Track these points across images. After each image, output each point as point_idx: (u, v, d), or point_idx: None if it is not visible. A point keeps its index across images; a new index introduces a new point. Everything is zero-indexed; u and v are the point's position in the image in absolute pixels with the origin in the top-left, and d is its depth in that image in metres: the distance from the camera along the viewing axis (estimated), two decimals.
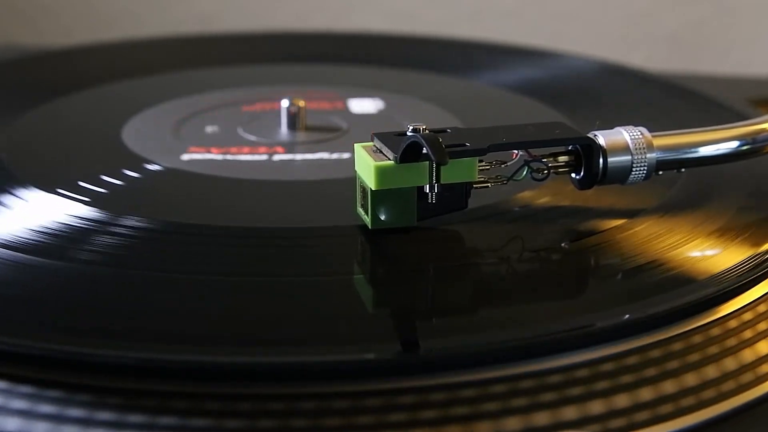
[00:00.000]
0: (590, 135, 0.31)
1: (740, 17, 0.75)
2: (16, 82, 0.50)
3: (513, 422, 0.23)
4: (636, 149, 0.31)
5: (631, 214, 0.32)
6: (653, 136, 0.31)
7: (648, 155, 0.31)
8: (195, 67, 0.53)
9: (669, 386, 0.25)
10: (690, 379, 0.25)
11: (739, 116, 0.40)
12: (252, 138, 0.40)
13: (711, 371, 0.25)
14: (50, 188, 0.34)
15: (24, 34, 0.80)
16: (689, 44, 0.76)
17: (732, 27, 0.76)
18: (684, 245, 0.30)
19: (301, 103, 0.41)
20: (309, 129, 0.41)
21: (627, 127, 0.32)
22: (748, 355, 0.26)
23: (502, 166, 0.31)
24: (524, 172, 0.31)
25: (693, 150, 0.32)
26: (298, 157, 0.38)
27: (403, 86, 0.49)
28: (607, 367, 0.25)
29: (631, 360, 0.25)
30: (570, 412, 0.24)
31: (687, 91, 0.48)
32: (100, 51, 0.56)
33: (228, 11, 0.80)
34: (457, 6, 0.78)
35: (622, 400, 0.24)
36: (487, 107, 0.47)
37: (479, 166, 0.30)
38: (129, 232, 0.31)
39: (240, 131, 0.41)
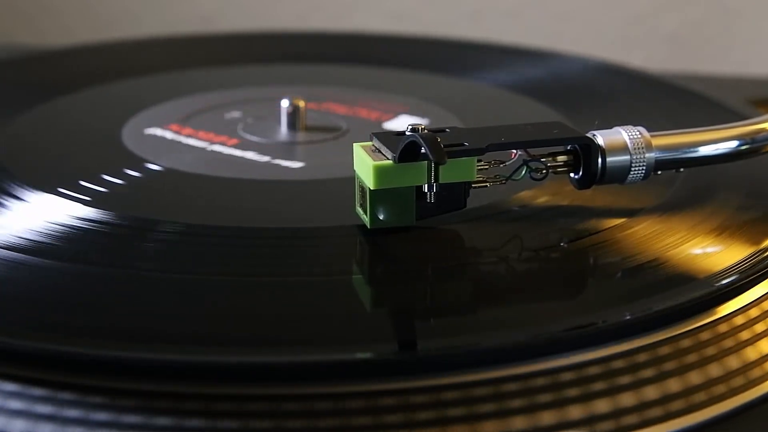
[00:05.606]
0: (589, 135, 0.31)
1: (740, 17, 0.75)
2: (16, 82, 0.50)
3: (514, 422, 0.23)
4: (635, 149, 0.31)
5: (630, 213, 0.32)
6: (652, 136, 0.31)
7: (647, 155, 0.31)
8: (195, 67, 0.53)
9: (669, 385, 0.25)
10: (691, 378, 0.25)
11: (739, 116, 0.40)
12: (251, 137, 0.40)
13: (712, 370, 0.25)
14: (49, 188, 0.34)
15: (24, 34, 0.80)
16: (689, 44, 0.76)
17: (732, 27, 0.76)
18: (683, 244, 0.30)
19: (301, 103, 0.41)
20: (309, 129, 0.41)
21: (626, 127, 0.32)
22: (749, 353, 0.26)
23: (501, 165, 0.31)
24: (523, 172, 0.31)
25: (692, 150, 0.32)
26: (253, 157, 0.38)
27: (403, 86, 0.49)
28: (607, 366, 0.25)
29: (632, 359, 0.25)
30: (569, 412, 0.24)
31: (687, 91, 0.48)
32: (100, 51, 0.56)
33: (228, 11, 0.80)
34: (457, 6, 0.78)
35: (621, 400, 0.24)
36: (487, 107, 0.47)
37: (478, 166, 0.30)
38: (130, 233, 0.31)
39: (240, 131, 0.41)
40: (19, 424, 0.23)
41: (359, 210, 0.31)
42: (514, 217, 0.33)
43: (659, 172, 0.32)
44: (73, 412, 0.23)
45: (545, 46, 0.58)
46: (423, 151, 0.28)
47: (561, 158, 0.31)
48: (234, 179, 0.36)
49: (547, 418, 0.24)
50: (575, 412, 0.24)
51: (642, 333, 0.26)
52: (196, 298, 0.27)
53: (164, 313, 0.27)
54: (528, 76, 0.52)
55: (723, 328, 0.27)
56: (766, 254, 0.30)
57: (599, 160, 0.31)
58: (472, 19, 0.78)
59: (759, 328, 0.27)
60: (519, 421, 0.23)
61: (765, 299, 0.28)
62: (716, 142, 0.32)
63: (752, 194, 0.35)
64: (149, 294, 0.27)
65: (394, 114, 0.44)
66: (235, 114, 0.43)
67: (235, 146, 0.39)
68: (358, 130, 0.41)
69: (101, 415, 0.23)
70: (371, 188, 0.29)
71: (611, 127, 0.32)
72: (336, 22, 0.78)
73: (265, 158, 0.38)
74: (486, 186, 0.31)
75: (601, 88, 0.50)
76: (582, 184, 0.32)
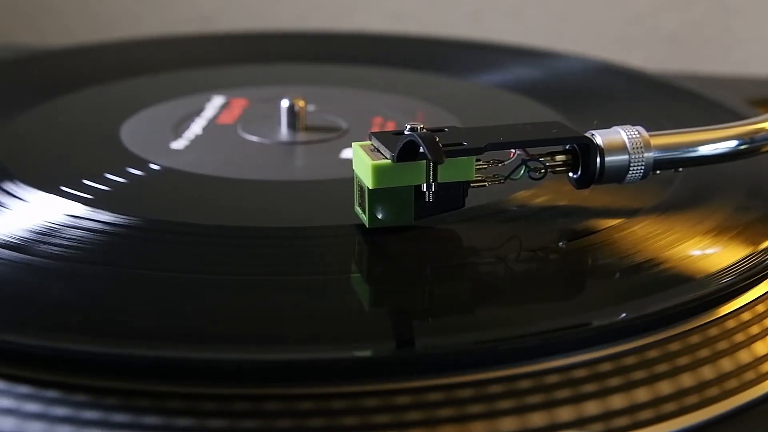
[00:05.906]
0: (588, 134, 0.31)
1: (740, 17, 0.76)
2: (16, 82, 0.50)
3: (511, 422, 0.23)
4: (633, 148, 0.31)
5: (629, 213, 0.32)
6: (651, 136, 0.31)
7: (645, 154, 0.31)
8: (195, 67, 0.53)
9: (667, 386, 0.25)
10: (689, 379, 0.25)
11: (739, 116, 0.40)
12: (251, 138, 0.40)
13: (709, 371, 0.25)
14: (49, 188, 0.34)
15: (24, 34, 0.80)
16: (689, 44, 0.76)
17: (732, 27, 0.76)
18: (681, 244, 0.30)
19: (301, 103, 0.41)
20: (309, 129, 0.41)
21: (625, 127, 0.32)
22: (748, 354, 0.26)
23: (500, 165, 0.31)
24: (522, 172, 0.31)
25: (691, 149, 0.32)
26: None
27: (403, 86, 0.49)
28: (605, 366, 0.25)
29: (630, 359, 0.25)
30: (568, 412, 0.24)
31: (686, 91, 0.48)
32: (100, 51, 0.56)
33: (228, 11, 0.80)
34: (457, 6, 0.78)
35: (620, 400, 0.24)
36: (487, 107, 0.47)
37: (477, 166, 0.30)
38: (130, 232, 0.31)
39: (239, 131, 0.41)
40: (13, 422, 0.23)
41: (358, 209, 0.31)
42: (513, 216, 0.33)
43: (658, 172, 0.32)
44: (67, 411, 0.23)
45: (545, 46, 0.58)
46: (421, 150, 0.28)
47: (560, 158, 0.31)
48: (234, 179, 0.36)
49: (545, 418, 0.24)
50: (572, 412, 0.24)
51: (640, 333, 0.26)
52: (195, 298, 0.27)
53: (164, 312, 0.27)
54: (528, 76, 0.52)
55: (722, 328, 0.27)
56: (765, 255, 0.30)
57: (598, 159, 0.31)
58: (472, 19, 0.78)
59: (758, 329, 0.27)
60: (510, 422, 0.23)
61: (764, 300, 0.28)
62: (715, 142, 0.32)
63: (752, 194, 0.35)
64: (149, 293, 0.27)
65: (394, 114, 0.44)
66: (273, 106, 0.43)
67: (235, 146, 0.39)
68: (358, 130, 0.41)
69: (112, 416, 0.23)
70: (370, 187, 0.29)
71: (610, 127, 0.32)
72: (336, 22, 0.78)
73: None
74: (485, 185, 0.31)
75: (601, 88, 0.50)
76: (581, 183, 0.32)
